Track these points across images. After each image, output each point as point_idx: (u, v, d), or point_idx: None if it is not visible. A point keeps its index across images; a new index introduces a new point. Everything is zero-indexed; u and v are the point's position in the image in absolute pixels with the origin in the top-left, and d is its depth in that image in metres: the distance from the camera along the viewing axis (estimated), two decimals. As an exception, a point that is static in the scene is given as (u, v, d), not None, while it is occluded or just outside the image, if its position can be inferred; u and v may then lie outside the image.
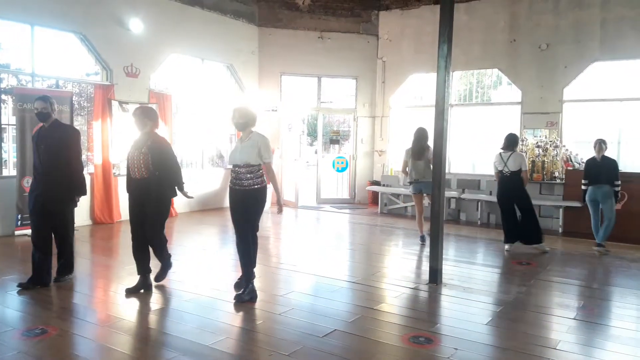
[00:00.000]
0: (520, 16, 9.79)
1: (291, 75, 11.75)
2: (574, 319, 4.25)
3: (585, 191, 6.98)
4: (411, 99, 11.64)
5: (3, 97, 8.06)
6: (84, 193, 4.94)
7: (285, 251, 7.13)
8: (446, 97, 5.09)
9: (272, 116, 11.16)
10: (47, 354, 3.37)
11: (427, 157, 6.89)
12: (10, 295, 4.58)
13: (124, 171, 8.37)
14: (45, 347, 3.47)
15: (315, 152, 13.13)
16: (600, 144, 6.81)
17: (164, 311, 4.26)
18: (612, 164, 6.79)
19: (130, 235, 4.74)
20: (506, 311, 4.44)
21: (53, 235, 4.80)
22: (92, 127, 8.38)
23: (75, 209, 5.01)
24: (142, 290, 4.69)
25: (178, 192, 4.79)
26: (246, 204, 4.42)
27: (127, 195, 4.72)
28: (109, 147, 8.32)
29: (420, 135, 6.95)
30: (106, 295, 4.83)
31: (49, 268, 4.77)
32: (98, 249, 7.00)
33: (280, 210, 4.71)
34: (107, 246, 7.20)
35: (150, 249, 4.79)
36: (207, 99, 10.39)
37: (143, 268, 4.70)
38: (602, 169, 6.77)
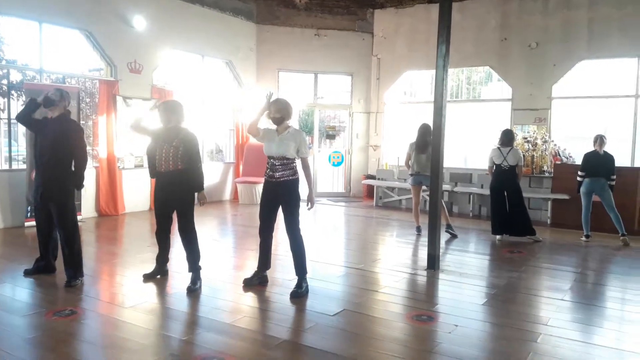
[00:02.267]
0: (511, 16, 10.14)
1: (288, 72, 12.02)
2: (562, 299, 4.61)
3: (580, 183, 7.28)
4: (405, 95, 11.97)
5: (11, 92, 8.23)
6: (82, 187, 4.93)
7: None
8: (444, 95, 5.41)
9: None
10: (80, 331, 3.65)
11: (429, 152, 7.20)
12: (31, 280, 4.81)
13: (128, 164, 8.76)
14: (78, 326, 3.73)
15: (310, 147, 13.40)
16: (602, 139, 7.14)
17: (181, 294, 4.51)
18: (611, 159, 7.11)
19: (155, 225, 4.90)
20: (500, 293, 4.78)
21: (58, 235, 4.81)
22: (97, 121, 8.58)
23: (81, 201, 4.92)
24: (158, 276, 4.96)
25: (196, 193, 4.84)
26: (277, 195, 4.57)
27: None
28: (114, 141, 8.54)
29: (425, 130, 7.23)
30: (124, 280, 5.07)
31: (54, 255, 4.98)
32: (108, 239, 7.23)
33: (311, 205, 4.72)
34: (115, 236, 7.43)
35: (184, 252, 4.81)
36: (206, 95, 10.63)
37: (162, 257, 4.95)
38: (601, 163, 7.08)
